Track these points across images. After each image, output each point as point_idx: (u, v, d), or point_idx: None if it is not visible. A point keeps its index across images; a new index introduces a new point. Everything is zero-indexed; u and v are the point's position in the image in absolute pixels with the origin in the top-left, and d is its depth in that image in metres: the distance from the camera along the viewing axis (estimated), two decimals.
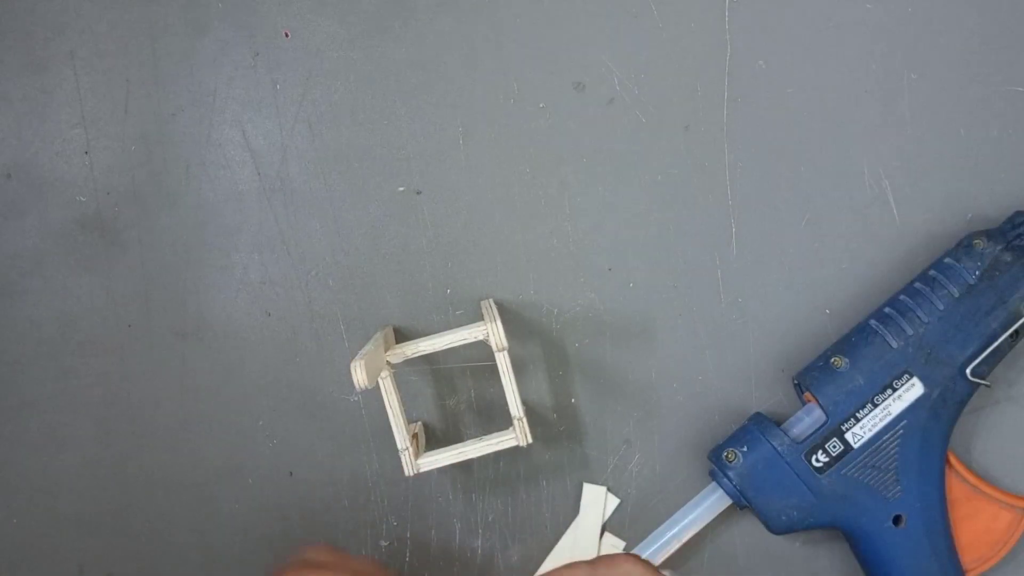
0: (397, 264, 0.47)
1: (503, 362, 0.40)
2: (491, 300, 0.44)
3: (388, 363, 0.41)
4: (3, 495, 0.46)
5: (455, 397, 0.47)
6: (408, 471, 0.41)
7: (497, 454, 0.46)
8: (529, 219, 0.47)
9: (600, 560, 0.36)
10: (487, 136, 0.47)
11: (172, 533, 0.46)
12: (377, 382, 0.40)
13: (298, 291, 0.47)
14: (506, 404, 0.41)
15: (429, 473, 0.46)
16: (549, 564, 0.46)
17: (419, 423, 0.46)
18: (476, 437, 0.42)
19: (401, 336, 0.43)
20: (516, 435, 0.41)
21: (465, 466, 0.47)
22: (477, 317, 0.42)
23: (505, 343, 0.39)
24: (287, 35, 0.47)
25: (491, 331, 0.40)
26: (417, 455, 0.41)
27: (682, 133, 0.47)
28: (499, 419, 0.46)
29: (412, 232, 0.47)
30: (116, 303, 0.46)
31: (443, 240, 0.47)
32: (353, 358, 0.38)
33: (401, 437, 0.41)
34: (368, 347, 0.40)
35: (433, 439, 0.47)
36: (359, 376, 0.38)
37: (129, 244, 0.46)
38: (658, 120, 0.47)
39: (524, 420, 0.41)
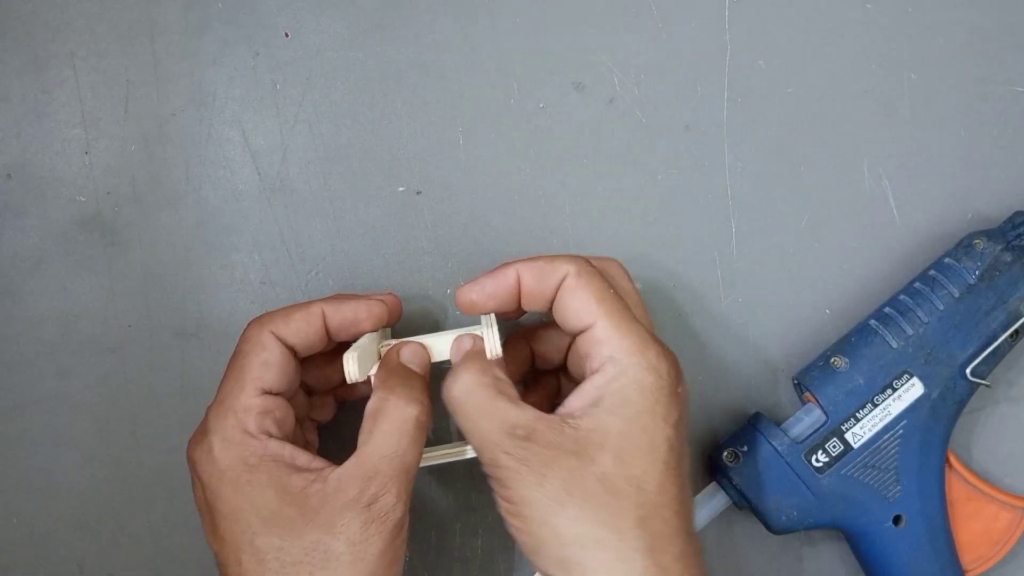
0: (397, 264, 0.47)
1: None
2: None
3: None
4: (3, 495, 0.46)
5: None
6: None
7: None
8: (529, 219, 0.47)
9: (593, 257, 0.40)
10: (487, 136, 0.47)
11: (172, 533, 0.46)
12: (369, 376, 0.40)
13: (298, 291, 0.46)
14: None
15: (429, 473, 0.46)
16: None
17: None
18: None
19: (400, 337, 0.43)
20: None
21: (465, 466, 0.47)
22: (477, 318, 0.41)
23: (499, 351, 0.39)
24: (287, 35, 0.47)
25: (486, 337, 0.39)
26: None
27: (682, 133, 0.47)
28: None
29: (412, 232, 0.47)
30: (116, 303, 0.46)
31: (443, 240, 0.47)
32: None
33: None
34: (363, 341, 0.40)
35: (428, 441, 0.46)
36: (351, 368, 0.38)
37: (129, 244, 0.46)
38: (658, 120, 0.47)
39: None
